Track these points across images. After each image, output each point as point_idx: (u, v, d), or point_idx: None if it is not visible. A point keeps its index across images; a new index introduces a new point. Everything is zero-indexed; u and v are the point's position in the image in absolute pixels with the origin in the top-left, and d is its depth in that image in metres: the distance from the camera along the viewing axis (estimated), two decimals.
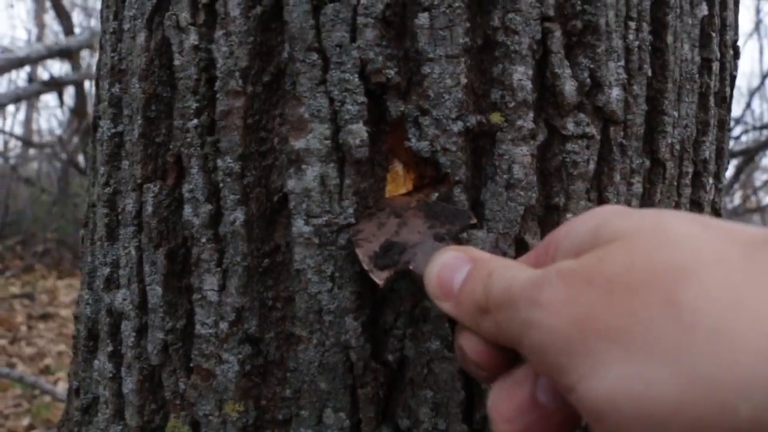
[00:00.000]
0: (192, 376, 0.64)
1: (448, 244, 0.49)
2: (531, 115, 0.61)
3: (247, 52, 0.62)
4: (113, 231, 0.71)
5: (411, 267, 0.48)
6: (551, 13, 0.62)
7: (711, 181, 0.77)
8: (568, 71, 0.62)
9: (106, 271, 0.71)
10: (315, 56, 0.60)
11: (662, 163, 0.70)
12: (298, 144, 0.59)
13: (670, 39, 0.70)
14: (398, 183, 0.61)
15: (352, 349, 0.60)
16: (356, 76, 0.59)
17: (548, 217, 0.63)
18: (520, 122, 0.60)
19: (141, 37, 0.68)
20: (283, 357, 0.62)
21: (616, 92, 0.65)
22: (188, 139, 0.63)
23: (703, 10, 0.73)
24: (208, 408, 0.63)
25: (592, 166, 0.64)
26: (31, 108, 11.30)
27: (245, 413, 0.62)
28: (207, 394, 0.63)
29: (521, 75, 0.60)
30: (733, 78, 0.87)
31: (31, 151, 9.87)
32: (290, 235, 0.60)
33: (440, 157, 0.59)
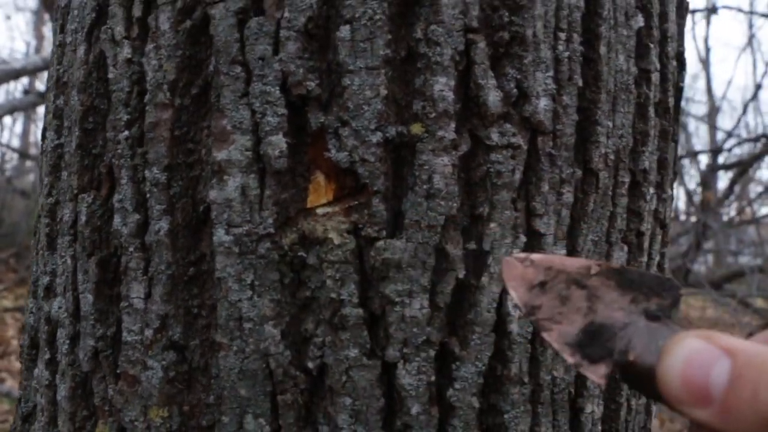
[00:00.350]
0: (119, 383, 0.64)
1: (667, 325, 0.38)
2: (453, 125, 0.62)
3: (175, 65, 0.63)
4: (53, 241, 0.72)
5: (632, 358, 0.38)
6: (475, 24, 0.63)
7: (652, 191, 0.77)
8: (493, 82, 0.63)
9: (46, 279, 0.72)
10: (238, 69, 0.61)
11: (595, 173, 0.70)
12: (221, 155, 0.61)
13: (603, 50, 0.70)
14: (320, 193, 0.62)
15: (271, 356, 0.60)
16: (277, 88, 0.60)
17: (473, 227, 0.64)
18: (441, 132, 0.61)
19: (81, 50, 0.69)
20: (207, 364, 0.63)
21: (544, 102, 0.66)
22: (119, 151, 0.65)
23: (639, 21, 0.74)
24: (133, 414, 0.64)
25: (518, 175, 0.64)
26: (29, 120, 11.41)
27: (169, 419, 0.63)
28: (133, 400, 0.64)
29: (442, 86, 0.61)
30: (680, 89, 0.87)
31: (28, 163, 9.95)
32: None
33: (359, 167, 0.60)
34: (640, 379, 0.37)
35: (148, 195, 0.63)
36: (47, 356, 0.71)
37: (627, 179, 0.74)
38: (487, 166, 0.63)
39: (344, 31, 0.60)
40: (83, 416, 0.68)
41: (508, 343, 0.65)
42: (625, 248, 0.74)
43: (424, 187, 0.61)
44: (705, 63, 8.78)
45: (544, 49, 0.66)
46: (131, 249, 0.63)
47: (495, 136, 0.63)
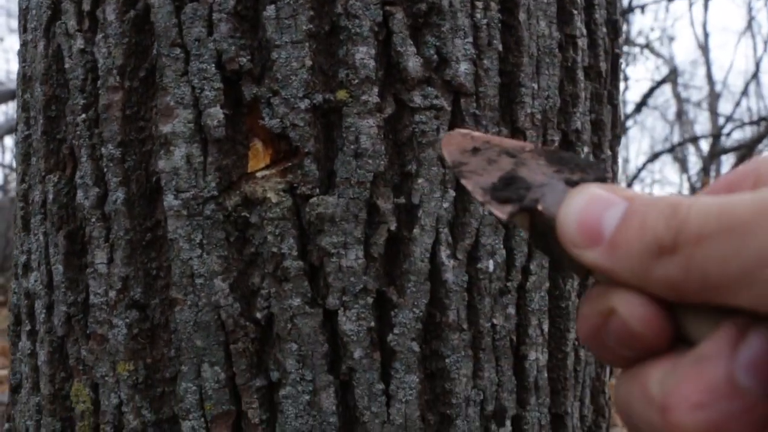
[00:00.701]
0: (89, 342, 0.71)
1: None
2: (376, 90, 0.67)
3: (122, 51, 0.69)
4: (27, 222, 0.79)
5: (540, 207, 0.36)
6: None
7: (587, 149, 0.83)
8: (413, 49, 0.69)
9: (23, 258, 0.79)
10: (178, 51, 0.67)
11: (522, 131, 0.75)
12: (166, 128, 0.67)
13: (522, 16, 0.76)
14: (258, 158, 0.68)
15: (222, 308, 0.66)
16: (213, 65, 0.66)
17: (403, 183, 0.69)
18: (364, 97, 0.67)
19: (41, 46, 0.76)
20: (167, 321, 0.69)
21: (464, 66, 0.71)
22: (78, 132, 0.71)
23: None
24: (103, 370, 0.70)
25: (442, 134, 0.70)
26: None
27: (135, 372, 0.69)
28: (102, 357, 0.70)
29: (363, 54, 0.67)
30: (616, 56, 0.92)
31: None
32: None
33: (291, 132, 0.66)
34: (545, 227, 0.36)
35: (105, 170, 0.69)
36: (28, 328, 0.78)
37: (557, 138, 0.79)
38: (413, 127, 0.69)
39: (270, 10, 0.66)
40: (61, 378, 0.74)
41: (444, 291, 0.71)
42: None
43: (352, 147, 0.67)
44: (704, 49, 8.79)
45: (462, 18, 0.71)
46: (93, 219, 0.70)
47: (418, 99, 0.69)
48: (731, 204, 0.26)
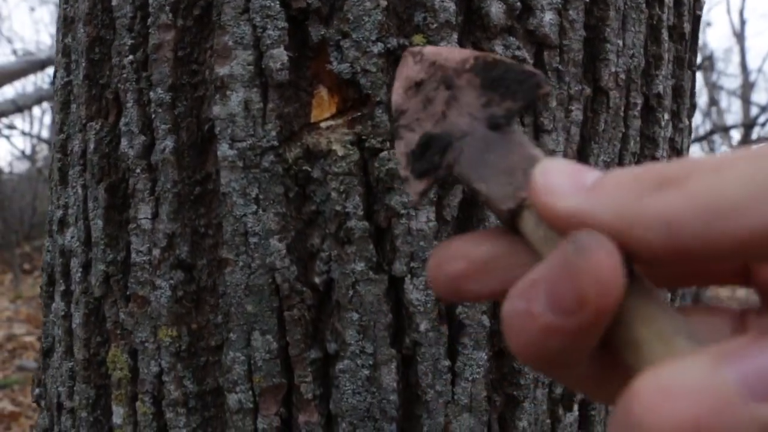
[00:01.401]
0: (129, 305, 0.65)
1: (504, 137, 0.33)
2: (455, 36, 0.61)
3: None
4: (65, 175, 0.73)
5: (455, 173, 0.33)
6: None
7: (667, 117, 0.76)
8: None
9: (59, 213, 0.73)
10: None
11: (605, 91, 0.69)
12: (223, 71, 0.61)
13: None
14: (323, 107, 0.61)
15: (277, 270, 0.60)
16: (277, 2, 0.60)
17: None
18: (443, 44, 0.60)
19: None
20: (215, 284, 0.63)
21: (549, 16, 0.64)
22: (124, 75, 0.65)
23: None
24: (143, 335, 0.64)
25: None
26: None
27: (178, 338, 0.63)
28: (142, 321, 0.64)
29: None
30: (698, 18, 0.85)
31: None
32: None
33: (361, 78, 0.59)
34: (468, 189, 0.33)
35: (153, 116, 0.63)
36: (62, 288, 0.72)
37: (639, 101, 0.72)
38: None
39: None
40: (97, 342, 0.68)
41: None
42: None
43: None
44: (739, 36, 8.47)
45: None
46: (138, 170, 0.64)
47: (499, 49, 0.62)
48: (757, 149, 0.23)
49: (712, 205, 0.22)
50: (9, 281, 6.32)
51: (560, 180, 0.26)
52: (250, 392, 0.62)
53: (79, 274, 0.69)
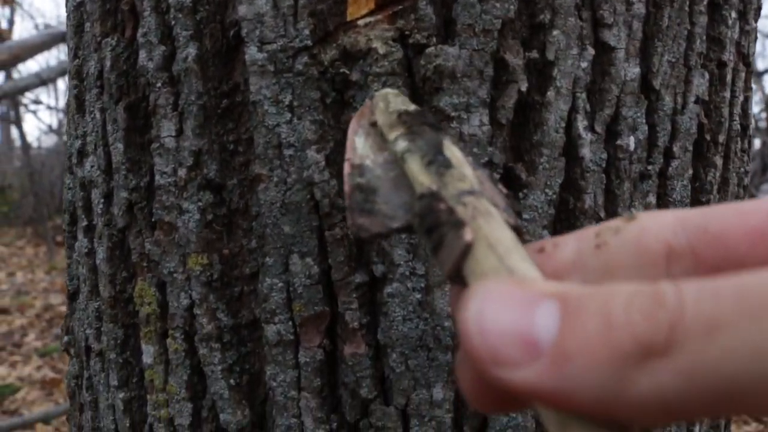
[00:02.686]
0: (155, 233, 0.60)
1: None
2: None
3: None
4: (82, 102, 0.67)
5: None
6: None
7: (734, 15, 0.68)
8: None
9: (78, 144, 0.68)
10: None
11: None
12: None
13: None
14: (360, 4, 0.55)
15: (315, 185, 0.54)
16: None
17: (534, 37, 0.56)
18: None
19: None
20: (248, 206, 0.57)
21: None
22: None
23: None
24: (171, 265, 0.59)
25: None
26: None
27: (209, 267, 0.58)
28: (170, 249, 0.59)
29: None
30: None
31: None
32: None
33: None
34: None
35: (173, 23, 0.57)
36: (84, 223, 0.67)
37: None
38: None
39: None
40: (123, 278, 0.63)
41: (581, 171, 0.58)
42: (706, 76, 0.66)
43: None
44: None
45: None
46: (159, 84, 0.58)
47: None
48: (755, 282, 0.19)
49: (714, 386, 0.19)
50: (43, 254, 6.38)
51: (504, 339, 0.22)
52: (290, 322, 0.57)
53: (101, 206, 0.64)
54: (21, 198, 7.38)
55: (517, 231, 0.28)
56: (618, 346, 0.20)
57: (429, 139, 0.33)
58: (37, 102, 8.07)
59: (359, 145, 0.35)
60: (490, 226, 0.27)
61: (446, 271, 0.27)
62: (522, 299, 0.22)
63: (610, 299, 0.21)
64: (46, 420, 2.56)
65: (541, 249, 0.28)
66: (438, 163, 0.31)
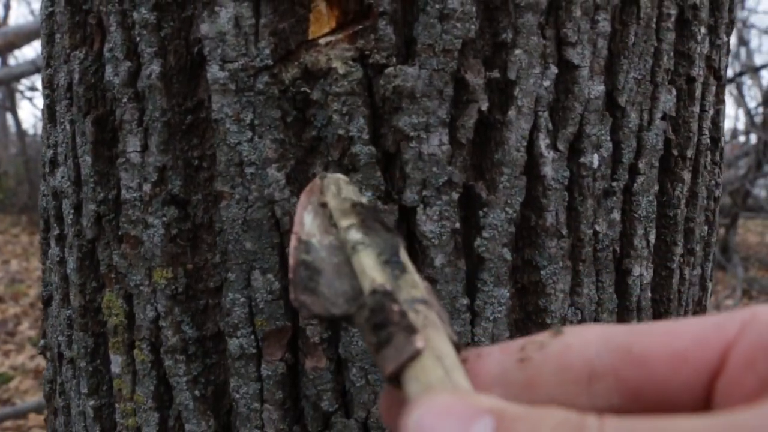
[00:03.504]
0: (122, 246, 0.60)
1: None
2: None
3: None
4: (54, 111, 0.68)
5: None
6: None
7: (703, 31, 0.69)
8: None
9: (50, 153, 0.69)
10: None
11: (636, 0, 0.62)
12: None
13: None
14: (322, 22, 0.55)
15: (276, 203, 0.55)
16: None
17: (496, 56, 0.57)
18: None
19: None
20: (212, 220, 0.58)
21: None
22: None
23: None
24: (138, 278, 0.60)
25: None
26: None
27: (174, 280, 0.59)
28: (136, 263, 0.60)
29: None
30: None
31: None
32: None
33: None
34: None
35: (138, 39, 0.58)
36: (56, 232, 0.68)
37: (674, 12, 0.65)
38: None
39: None
40: (92, 288, 0.64)
41: (542, 188, 0.59)
42: (674, 92, 0.66)
43: (437, 6, 0.54)
44: None
45: None
46: (125, 99, 0.59)
47: None
48: (669, 427, 0.20)
49: None
50: (38, 242, 6.41)
51: None
52: (252, 336, 0.58)
53: (71, 216, 0.65)
54: (16, 185, 7.40)
55: (457, 348, 0.29)
56: None
57: (386, 239, 0.33)
58: (32, 89, 8.08)
59: (307, 222, 0.36)
60: (438, 338, 0.28)
61: (387, 372, 0.27)
62: (461, 413, 0.23)
63: (539, 423, 0.22)
64: (38, 410, 2.59)
65: (464, 359, 0.29)
66: (394, 264, 0.32)
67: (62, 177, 0.66)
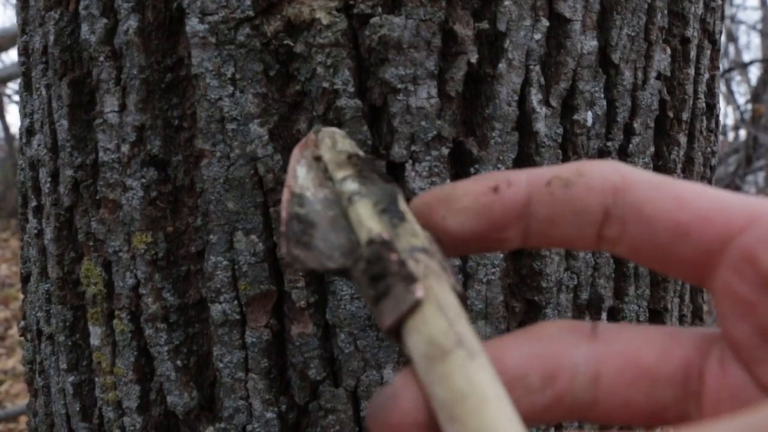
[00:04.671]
0: (100, 211, 0.58)
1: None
2: None
3: None
4: (30, 79, 0.66)
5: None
6: None
7: None
8: None
9: (27, 122, 0.66)
10: None
11: None
12: None
13: None
14: None
15: (259, 160, 0.53)
16: None
17: (485, 7, 0.55)
18: None
19: None
20: (193, 182, 0.56)
21: None
22: None
23: None
24: (117, 243, 0.58)
25: None
26: None
27: (154, 245, 0.56)
28: (115, 228, 0.58)
29: None
30: None
31: None
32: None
33: None
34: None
35: None
36: (34, 204, 0.66)
37: None
38: None
39: None
40: (71, 258, 0.62)
41: (535, 145, 0.57)
42: (668, 52, 0.65)
43: None
44: None
45: None
46: (101, 58, 0.57)
47: None
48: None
49: None
50: None
51: None
52: (236, 302, 0.56)
53: (48, 185, 0.62)
54: (5, 190, 7.34)
55: (462, 299, 0.27)
56: None
57: (383, 188, 0.32)
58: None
59: (300, 175, 0.34)
60: (440, 287, 0.26)
61: (386, 324, 0.26)
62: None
63: None
64: None
65: (496, 188, 0.28)
66: (392, 213, 0.30)
67: (38, 145, 0.64)
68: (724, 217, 0.24)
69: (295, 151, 0.36)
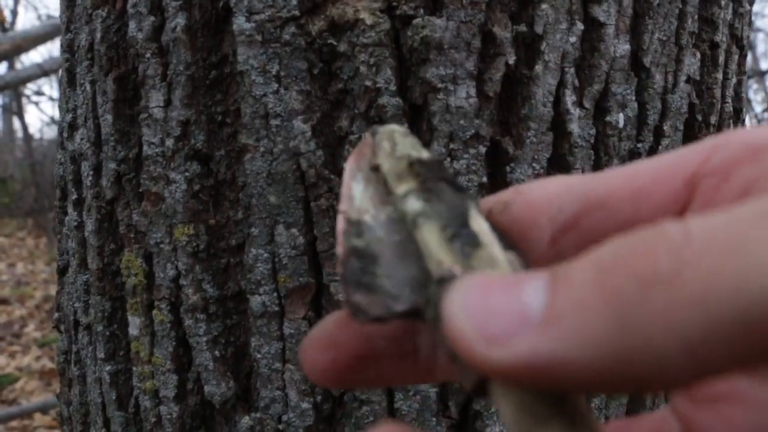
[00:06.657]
0: (142, 203, 0.60)
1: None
2: None
3: None
4: (73, 75, 0.68)
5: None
6: None
7: None
8: None
9: (69, 117, 0.68)
10: None
11: None
12: None
13: None
14: None
15: (302, 155, 0.54)
16: None
17: (523, 10, 0.56)
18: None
19: None
20: (235, 177, 0.57)
21: None
22: None
23: None
24: (158, 235, 0.59)
25: None
26: None
27: (195, 237, 0.58)
28: (157, 220, 0.59)
29: None
30: None
31: None
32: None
33: None
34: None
35: None
36: (74, 197, 0.67)
37: None
38: None
39: None
40: (111, 250, 0.63)
41: (569, 146, 0.58)
42: (698, 56, 0.66)
43: None
44: None
45: None
46: (148, 54, 0.58)
47: None
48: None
49: (749, 316, 0.15)
50: (44, 245, 6.40)
51: (492, 315, 0.19)
52: (275, 294, 0.57)
53: (90, 178, 0.64)
54: (22, 189, 7.40)
55: None
56: (614, 285, 0.17)
57: (451, 204, 0.26)
58: (39, 93, 8.10)
59: (357, 194, 0.28)
60: None
61: (469, 385, 0.21)
62: (508, 281, 0.20)
63: (598, 252, 0.18)
64: (44, 410, 2.57)
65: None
66: (464, 239, 0.25)
67: (81, 139, 0.65)
68: (679, 163, 0.24)
69: (349, 163, 0.30)
